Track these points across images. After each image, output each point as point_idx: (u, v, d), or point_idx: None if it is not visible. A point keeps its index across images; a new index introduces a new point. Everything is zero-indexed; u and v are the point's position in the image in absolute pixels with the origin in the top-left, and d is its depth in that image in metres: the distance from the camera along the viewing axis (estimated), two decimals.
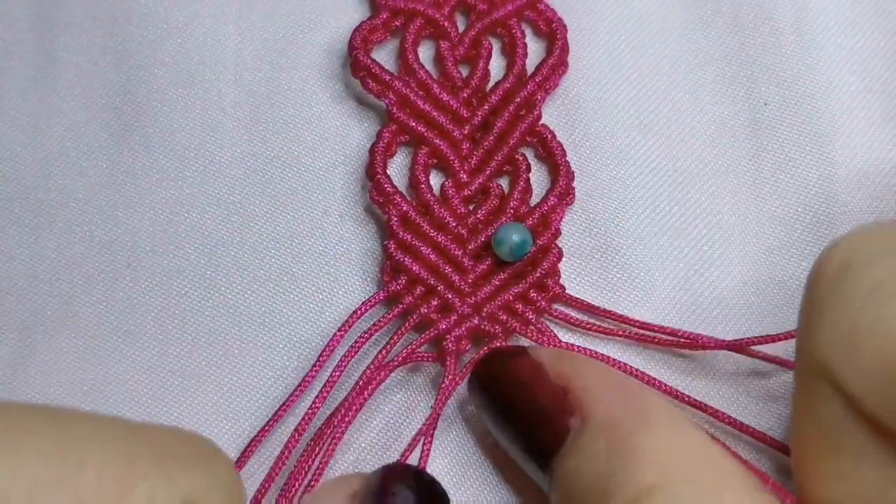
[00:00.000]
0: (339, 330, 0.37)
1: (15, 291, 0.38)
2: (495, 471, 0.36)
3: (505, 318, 0.37)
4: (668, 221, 0.39)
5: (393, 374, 0.36)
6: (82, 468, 0.24)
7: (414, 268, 0.37)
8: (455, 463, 0.36)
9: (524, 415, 0.32)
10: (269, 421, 0.36)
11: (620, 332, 0.37)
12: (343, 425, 0.35)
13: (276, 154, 0.39)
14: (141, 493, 0.24)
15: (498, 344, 0.36)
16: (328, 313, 0.38)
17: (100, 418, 0.26)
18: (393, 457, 0.36)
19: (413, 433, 0.36)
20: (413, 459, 0.35)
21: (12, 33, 0.40)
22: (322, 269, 0.38)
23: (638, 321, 0.37)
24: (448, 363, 0.36)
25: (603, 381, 0.31)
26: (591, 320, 0.37)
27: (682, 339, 0.37)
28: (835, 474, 0.28)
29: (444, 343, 0.36)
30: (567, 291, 0.37)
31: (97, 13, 0.40)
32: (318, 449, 0.35)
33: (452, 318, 0.36)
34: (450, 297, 0.37)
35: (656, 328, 0.37)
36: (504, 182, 0.39)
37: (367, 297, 0.37)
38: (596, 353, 0.36)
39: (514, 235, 0.36)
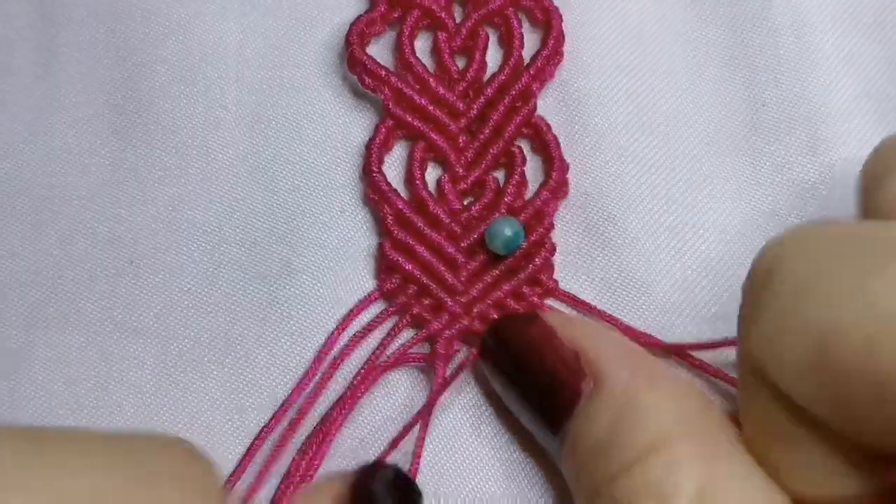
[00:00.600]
0: (337, 329, 0.37)
1: (17, 288, 0.38)
2: (486, 469, 0.36)
3: (496, 316, 0.36)
4: (666, 220, 0.38)
5: (389, 373, 0.37)
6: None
7: (407, 266, 0.37)
8: (445, 463, 0.36)
9: (537, 378, 0.32)
10: (268, 422, 0.36)
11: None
12: (336, 425, 0.35)
13: (278, 150, 0.39)
14: None
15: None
16: (330, 308, 0.38)
17: (79, 436, 0.25)
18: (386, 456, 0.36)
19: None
20: (405, 461, 0.36)
21: (14, 30, 0.41)
22: (323, 263, 0.38)
23: (624, 324, 0.37)
24: (438, 366, 0.36)
25: (614, 345, 0.32)
26: (586, 317, 0.37)
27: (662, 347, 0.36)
28: (780, 461, 0.28)
29: (435, 346, 0.36)
30: (560, 286, 0.37)
31: (99, 10, 0.40)
32: (311, 448, 0.35)
33: (444, 317, 0.36)
34: (442, 296, 0.37)
35: (641, 335, 0.36)
36: (500, 175, 0.38)
37: (367, 291, 0.37)
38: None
39: (507, 229, 0.36)
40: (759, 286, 0.28)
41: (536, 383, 0.32)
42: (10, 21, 0.41)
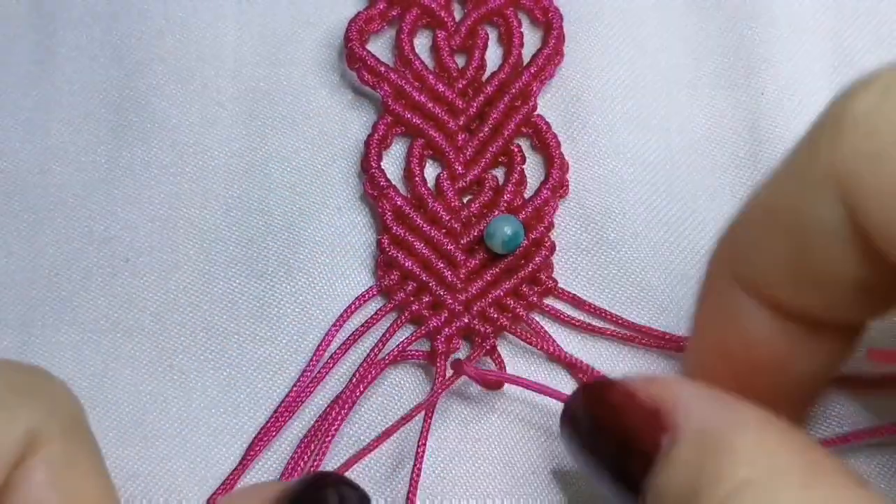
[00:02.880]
0: (334, 325, 0.37)
1: (14, 286, 0.38)
2: (487, 468, 0.36)
3: (495, 315, 0.36)
4: (665, 216, 0.38)
5: (389, 371, 0.36)
6: None
7: (406, 264, 0.37)
8: (445, 463, 0.36)
9: (616, 437, 0.31)
10: (266, 421, 0.36)
11: (610, 331, 0.37)
12: (335, 423, 0.35)
13: (275, 148, 0.39)
14: None
15: (489, 341, 0.36)
16: (326, 306, 0.37)
17: None
18: (387, 453, 0.36)
19: (404, 428, 0.36)
20: (407, 457, 0.36)
21: (11, 29, 0.40)
22: (320, 261, 0.38)
23: (628, 321, 0.37)
24: (438, 364, 0.36)
25: (694, 395, 0.30)
26: (583, 317, 0.37)
27: (666, 341, 0.36)
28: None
29: (435, 343, 0.36)
30: (560, 285, 0.37)
31: (96, 9, 0.40)
32: (311, 445, 0.35)
33: (443, 315, 0.36)
34: (441, 293, 0.37)
35: (644, 329, 0.37)
36: (499, 173, 0.38)
37: (364, 288, 0.37)
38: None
39: (506, 228, 0.36)
40: (868, 105, 0.28)
41: (615, 442, 0.31)
42: (7, 20, 0.40)
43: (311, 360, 0.36)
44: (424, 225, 0.37)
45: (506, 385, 0.36)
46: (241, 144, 0.39)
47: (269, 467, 0.36)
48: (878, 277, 0.28)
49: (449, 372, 0.35)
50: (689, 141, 0.39)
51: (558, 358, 0.37)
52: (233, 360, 0.37)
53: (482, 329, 0.36)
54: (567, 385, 0.37)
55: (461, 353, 0.37)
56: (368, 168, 0.38)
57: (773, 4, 0.40)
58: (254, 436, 0.36)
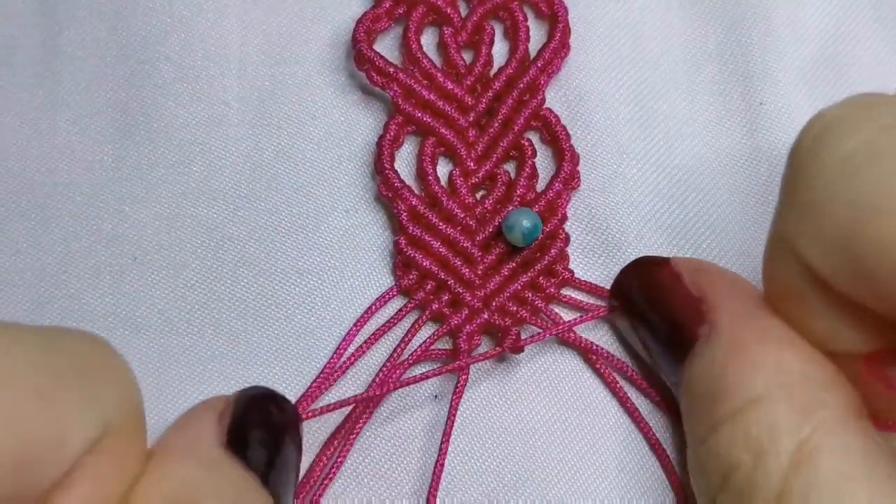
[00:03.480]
0: (355, 325, 0.37)
1: (22, 285, 0.38)
2: (509, 461, 0.36)
3: (515, 308, 0.37)
4: (668, 219, 0.39)
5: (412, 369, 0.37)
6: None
7: (424, 263, 0.37)
8: (470, 456, 0.36)
9: (662, 318, 0.33)
10: None
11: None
12: (360, 422, 0.36)
13: (282, 147, 0.39)
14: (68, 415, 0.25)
15: (513, 333, 0.36)
16: (334, 305, 0.38)
17: (10, 331, 0.26)
18: (410, 453, 0.36)
19: (427, 426, 0.36)
20: (429, 457, 0.36)
21: (17, 28, 0.40)
22: (328, 261, 0.38)
23: None
24: (462, 360, 0.36)
25: (735, 297, 0.32)
26: (601, 303, 0.37)
27: None
28: (800, 321, 0.30)
29: (458, 341, 0.36)
30: (576, 276, 0.38)
31: (101, 8, 0.40)
32: (335, 444, 0.36)
33: (464, 312, 0.37)
34: (460, 291, 0.37)
35: None
36: (511, 167, 0.39)
37: (374, 289, 0.38)
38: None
39: (525, 220, 0.36)
40: (802, 158, 0.29)
41: (661, 322, 0.33)
42: (13, 20, 0.40)
43: (331, 358, 0.36)
44: (440, 223, 0.37)
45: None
46: (248, 143, 0.39)
47: None
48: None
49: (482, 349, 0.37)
50: (689, 144, 0.39)
51: (579, 346, 0.37)
52: (240, 358, 0.37)
53: (503, 323, 0.36)
54: (586, 375, 0.37)
55: (483, 349, 0.37)
56: (382, 169, 0.38)
57: (773, 13, 0.41)
58: None
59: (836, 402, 0.29)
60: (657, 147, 0.39)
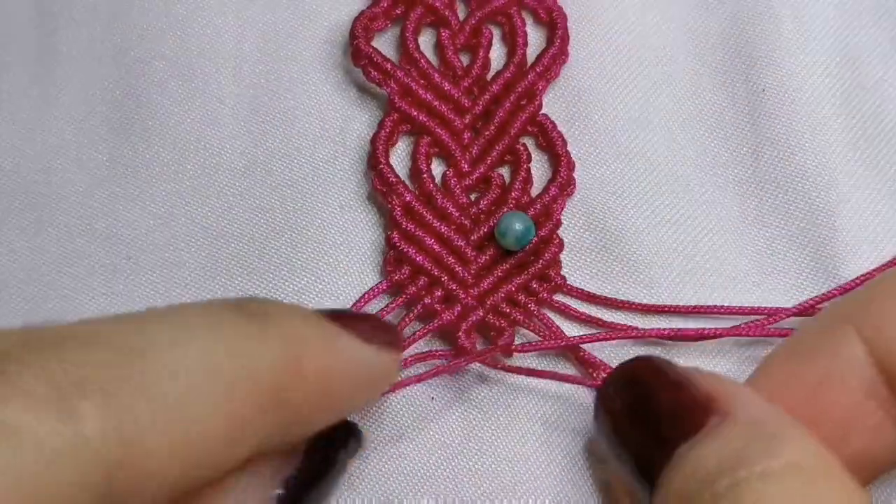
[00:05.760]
0: None
1: (15, 284, 0.38)
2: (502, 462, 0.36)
3: (508, 310, 0.37)
4: (668, 214, 0.38)
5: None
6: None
7: (417, 258, 0.37)
8: (446, 467, 0.36)
9: (664, 405, 0.31)
10: None
11: (621, 326, 0.37)
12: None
13: (277, 145, 0.39)
14: None
15: (508, 335, 0.36)
16: (329, 303, 0.37)
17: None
18: (405, 454, 0.36)
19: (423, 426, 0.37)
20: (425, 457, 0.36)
21: (13, 27, 0.40)
22: (322, 259, 0.38)
23: (640, 304, 0.37)
24: (464, 359, 0.36)
25: (750, 395, 0.31)
26: (592, 312, 0.37)
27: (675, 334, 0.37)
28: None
29: (459, 341, 0.36)
30: (568, 282, 0.37)
31: (97, 6, 0.40)
32: None
33: (456, 309, 0.36)
34: (453, 287, 0.37)
35: (658, 307, 0.37)
36: (505, 171, 0.39)
37: (367, 286, 0.37)
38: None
39: (517, 224, 0.36)
40: None
41: (660, 408, 0.31)
42: (9, 18, 0.40)
43: None
44: (434, 221, 0.37)
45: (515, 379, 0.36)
46: (243, 141, 0.39)
47: None
48: None
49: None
50: (690, 138, 0.39)
51: (572, 354, 0.37)
52: None
53: (497, 322, 0.36)
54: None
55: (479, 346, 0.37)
56: (377, 164, 0.38)
57: (776, 3, 0.40)
58: None
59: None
60: (658, 143, 0.39)
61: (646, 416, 0.31)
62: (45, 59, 0.40)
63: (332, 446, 0.32)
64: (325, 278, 0.38)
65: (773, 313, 0.37)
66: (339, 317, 0.31)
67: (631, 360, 0.33)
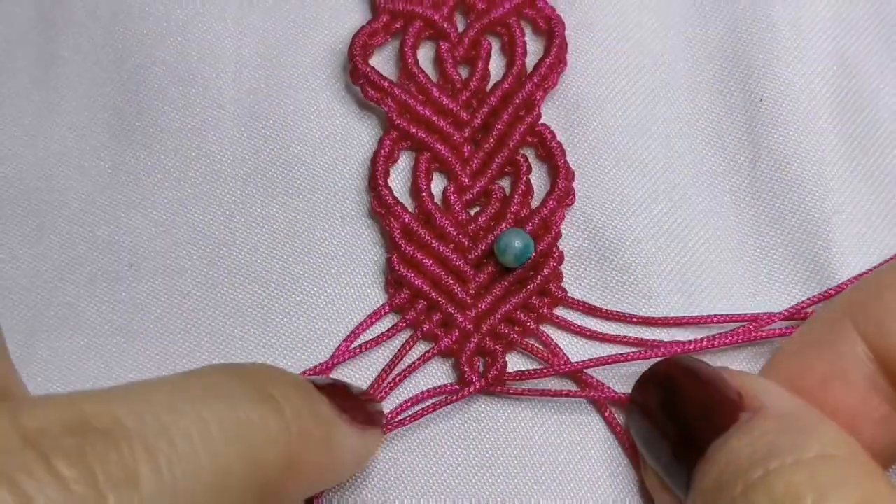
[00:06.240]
0: (346, 341, 0.37)
1: (18, 291, 0.38)
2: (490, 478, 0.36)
3: (506, 331, 0.37)
4: (666, 223, 0.39)
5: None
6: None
7: (416, 282, 0.37)
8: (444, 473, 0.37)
9: (696, 402, 0.32)
10: None
11: (620, 338, 0.37)
12: None
13: (278, 154, 0.39)
14: None
15: (499, 364, 0.36)
16: (330, 314, 0.38)
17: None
18: (410, 447, 0.37)
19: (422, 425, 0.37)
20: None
21: (14, 33, 0.40)
22: (324, 269, 0.38)
23: (639, 317, 0.37)
24: (455, 397, 0.36)
25: (782, 392, 0.32)
26: (592, 326, 0.37)
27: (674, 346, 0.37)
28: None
29: (463, 374, 0.36)
30: (569, 295, 0.38)
31: (98, 12, 0.40)
32: None
33: (454, 334, 0.37)
34: (451, 311, 0.37)
35: (654, 320, 0.37)
36: (506, 183, 0.39)
37: (369, 299, 0.38)
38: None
39: (517, 241, 0.37)
40: None
41: (693, 407, 0.32)
42: (10, 24, 0.40)
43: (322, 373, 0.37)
44: (433, 241, 0.37)
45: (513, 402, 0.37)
46: (244, 148, 0.39)
47: None
48: None
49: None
50: (688, 147, 0.39)
51: (568, 373, 0.37)
52: None
53: (493, 346, 0.37)
54: (574, 399, 0.37)
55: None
56: (375, 186, 0.38)
57: (774, 12, 0.40)
58: None
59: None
60: (656, 151, 0.39)
61: (679, 414, 0.32)
62: (46, 65, 0.40)
63: None
64: (327, 289, 0.38)
65: (769, 319, 0.37)
66: (330, 392, 0.32)
67: (661, 362, 0.34)
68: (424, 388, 0.37)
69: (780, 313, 0.37)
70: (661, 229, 0.39)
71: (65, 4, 0.40)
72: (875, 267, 0.38)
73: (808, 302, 0.37)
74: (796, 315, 0.37)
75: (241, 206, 0.39)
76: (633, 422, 0.34)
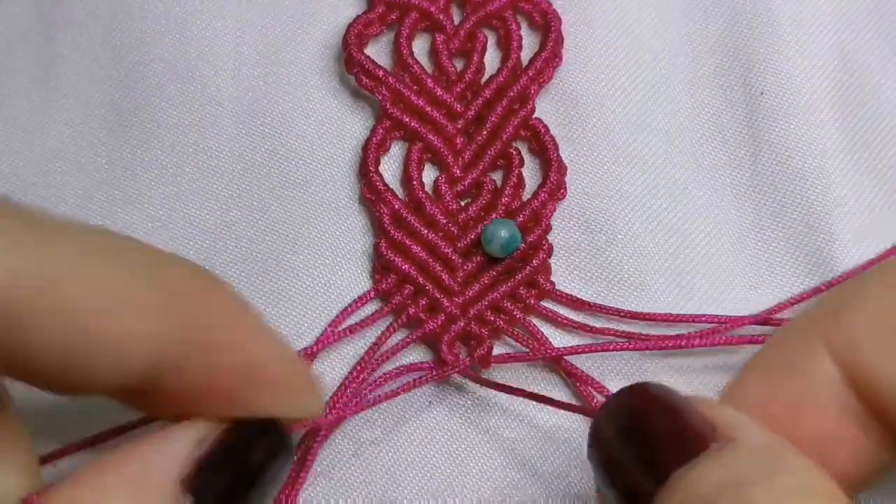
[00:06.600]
0: (330, 326, 0.37)
1: None
2: (484, 471, 0.36)
3: (493, 318, 0.37)
4: (665, 218, 0.38)
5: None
6: None
7: (403, 267, 0.37)
8: (443, 465, 0.37)
9: (662, 430, 0.30)
10: None
11: (607, 331, 0.37)
12: (330, 430, 0.36)
13: (274, 148, 0.39)
14: None
15: (486, 346, 0.36)
16: (325, 305, 0.38)
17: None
18: (409, 447, 0.36)
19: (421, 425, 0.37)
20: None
21: (14, 32, 0.40)
22: (319, 261, 0.38)
23: (627, 311, 0.37)
24: (439, 372, 0.36)
25: (754, 425, 0.30)
26: (580, 319, 0.37)
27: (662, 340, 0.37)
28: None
29: (441, 353, 0.36)
30: (557, 288, 0.37)
31: (97, 10, 0.40)
32: (314, 449, 0.36)
33: (440, 318, 0.37)
34: (438, 296, 0.37)
35: (644, 316, 0.37)
36: (498, 176, 0.38)
37: (360, 289, 0.38)
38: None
39: (503, 231, 0.36)
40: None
41: (658, 433, 0.30)
42: (9, 22, 0.40)
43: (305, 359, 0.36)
44: (422, 228, 0.37)
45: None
46: (241, 144, 0.39)
47: None
48: None
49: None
50: (688, 142, 0.39)
51: (556, 364, 0.37)
52: None
53: (479, 332, 0.36)
54: (561, 390, 0.37)
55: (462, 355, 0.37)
56: (366, 172, 0.38)
57: (774, 6, 0.40)
58: None
59: None
60: (655, 146, 0.39)
61: (641, 442, 0.30)
62: (45, 63, 0.40)
63: (253, 435, 0.30)
64: (322, 280, 0.38)
65: (767, 321, 0.37)
66: None
67: (626, 388, 0.31)
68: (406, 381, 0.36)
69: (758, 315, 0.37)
70: (660, 224, 0.38)
71: (65, 4, 0.41)
72: (844, 278, 0.37)
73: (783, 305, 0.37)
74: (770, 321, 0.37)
75: (236, 200, 0.39)
76: (593, 452, 0.31)
